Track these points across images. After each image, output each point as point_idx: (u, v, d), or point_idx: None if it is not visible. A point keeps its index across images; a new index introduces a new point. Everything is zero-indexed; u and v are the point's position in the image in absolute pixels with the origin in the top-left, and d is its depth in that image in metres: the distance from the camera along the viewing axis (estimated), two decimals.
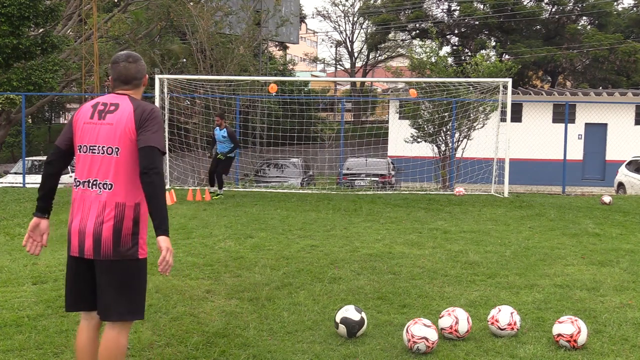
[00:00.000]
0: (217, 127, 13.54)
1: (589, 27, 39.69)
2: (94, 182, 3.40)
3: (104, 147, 3.39)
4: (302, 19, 48.26)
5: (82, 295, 3.49)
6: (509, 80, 15.23)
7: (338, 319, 4.66)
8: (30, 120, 37.54)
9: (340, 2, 48.77)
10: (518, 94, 25.05)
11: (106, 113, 3.42)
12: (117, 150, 3.38)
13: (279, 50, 47.50)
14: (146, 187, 3.31)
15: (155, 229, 3.32)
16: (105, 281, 3.39)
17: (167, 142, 16.03)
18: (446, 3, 42.86)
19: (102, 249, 3.35)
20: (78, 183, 3.46)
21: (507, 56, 37.39)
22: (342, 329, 4.61)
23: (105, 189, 3.38)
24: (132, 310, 3.42)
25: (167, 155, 15.94)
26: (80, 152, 3.46)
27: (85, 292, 3.48)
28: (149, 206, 3.33)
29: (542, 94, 27.15)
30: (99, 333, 3.57)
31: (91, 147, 3.42)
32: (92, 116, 3.45)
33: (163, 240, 3.29)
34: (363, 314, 4.69)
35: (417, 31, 42.11)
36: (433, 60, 20.25)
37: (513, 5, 37.87)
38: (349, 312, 4.67)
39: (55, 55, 21.71)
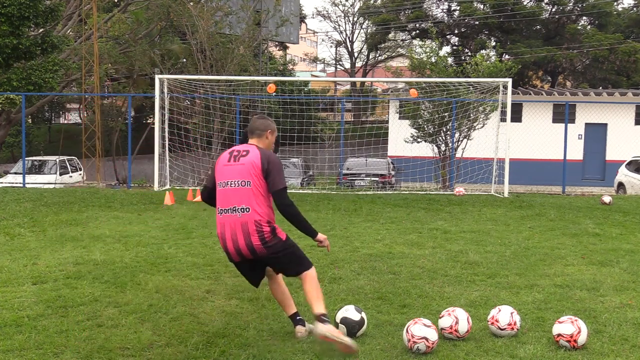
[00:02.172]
0: None
1: (589, 27, 39.68)
2: (233, 208, 4.46)
3: (238, 181, 4.48)
4: (302, 19, 48.26)
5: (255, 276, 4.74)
6: (509, 80, 15.23)
7: (338, 319, 4.66)
8: (30, 120, 37.52)
9: (340, 2, 48.79)
10: (518, 94, 25.05)
11: (240, 157, 4.53)
12: (249, 182, 4.45)
13: (279, 50, 47.49)
14: (289, 217, 4.54)
15: (310, 236, 4.62)
16: (279, 261, 4.55)
17: (167, 142, 16.05)
18: (446, 3, 42.89)
19: (259, 252, 4.45)
20: (221, 211, 4.51)
21: (507, 56, 37.38)
22: (342, 329, 4.61)
23: (244, 212, 4.43)
24: (301, 266, 4.54)
25: (167, 155, 16.02)
26: (220, 187, 4.55)
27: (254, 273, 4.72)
28: (298, 227, 4.59)
29: (542, 94, 27.15)
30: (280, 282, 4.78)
31: (229, 182, 4.50)
32: (229, 160, 4.56)
33: (320, 235, 4.66)
34: (363, 314, 4.70)
35: (417, 31, 42.11)
36: (433, 60, 20.25)
37: (513, 5, 37.87)
38: (349, 312, 4.67)
39: (55, 55, 21.70)
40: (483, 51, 32.03)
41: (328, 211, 11.32)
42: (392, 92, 29.33)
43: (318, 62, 56.19)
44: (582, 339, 4.44)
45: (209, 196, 4.73)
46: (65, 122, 48.73)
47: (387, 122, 28.71)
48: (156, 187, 15.35)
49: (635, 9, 40.33)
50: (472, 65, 19.26)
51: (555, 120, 24.43)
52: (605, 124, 25.22)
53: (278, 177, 4.48)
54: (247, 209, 4.42)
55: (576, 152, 23.89)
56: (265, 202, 4.48)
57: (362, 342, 4.58)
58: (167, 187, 15.69)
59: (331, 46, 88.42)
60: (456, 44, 43.63)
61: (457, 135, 18.43)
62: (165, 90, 15.86)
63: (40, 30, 22.61)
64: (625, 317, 5.17)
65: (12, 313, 5.14)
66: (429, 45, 21.51)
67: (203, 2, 26.37)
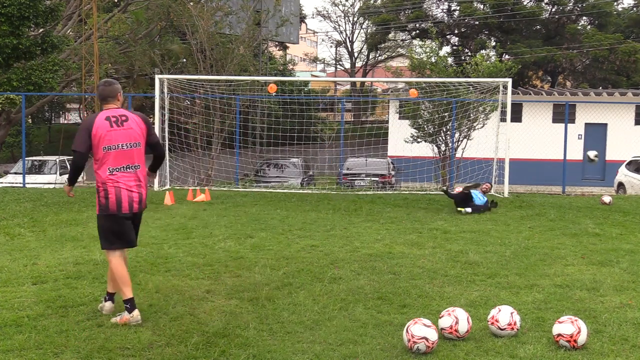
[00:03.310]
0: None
1: (589, 27, 39.66)
2: (127, 166, 5.05)
3: (131, 143, 5.08)
4: (302, 19, 48.22)
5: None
6: (509, 80, 15.22)
7: None
8: (30, 120, 37.48)
9: (340, 2, 48.78)
10: (518, 94, 25.03)
11: (122, 122, 5.06)
12: (139, 143, 5.14)
13: (279, 50, 47.47)
14: (163, 157, 5.51)
15: (153, 170, 5.56)
16: (140, 217, 5.34)
17: (167, 142, 16.04)
18: (446, 3, 42.88)
19: (144, 204, 5.19)
20: (114, 170, 5.00)
21: (507, 56, 37.37)
22: None
23: (137, 168, 5.12)
24: None
25: (167, 155, 16.01)
26: (109, 150, 4.98)
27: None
28: (158, 164, 5.54)
29: (542, 94, 27.13)
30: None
31: (121, 145, 5.03)
32: (112, 125, 5.00)
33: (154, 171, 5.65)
34: None
35: (417, 31, 42.09)
36: (433, 60, 20.23)
37: (513, 5, 37.86)
38: None
39: (55, 55, 21.69)
40: (483, 51, 32.02)
41: (328, 211, 11.32)
42: (392, 92, 29.31)
43: (318, 62, 56.18)
44: (582, 339, 4.44)
45: (84, 162, 5.13)
46: (65, 122, 48.70)
47: (387, 122, 28.69)
48: (156, 187, 15.34)
49: (635, 9, 40.33)
50: (472, 65, 19.24)
51: (555, 120, 24.40)
52: (605, 124, 25.20)
53: (154, 131, 5.42)
54: (139, 166, 5.15)
55: (576, 152, 23.86)
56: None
57: (362, 342, 4.59)
58: (167, 187, 15.69)
59: (331, 46, 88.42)
60: (456, 44, 43.61)
61: (457, 135, 18.42)
62: (165, 90, 15.85)
63: (40, 30, 22.59)
64: (625, 317, 5.17)
65: (12, 313, 5.14)
66: (429, 45, 21.49)
67: (203, 2, 26.35)
